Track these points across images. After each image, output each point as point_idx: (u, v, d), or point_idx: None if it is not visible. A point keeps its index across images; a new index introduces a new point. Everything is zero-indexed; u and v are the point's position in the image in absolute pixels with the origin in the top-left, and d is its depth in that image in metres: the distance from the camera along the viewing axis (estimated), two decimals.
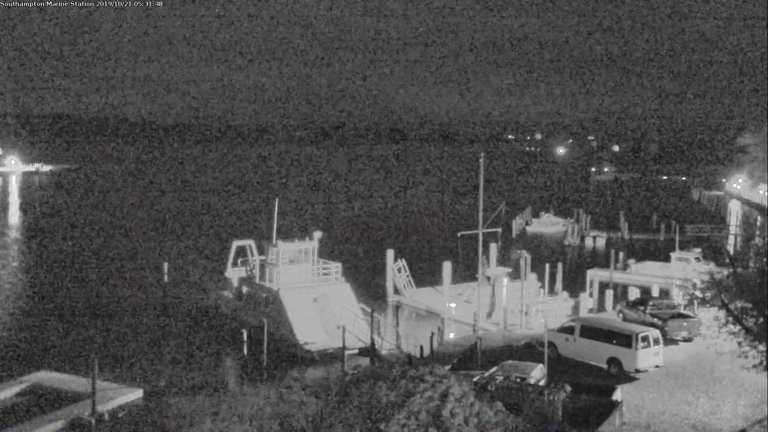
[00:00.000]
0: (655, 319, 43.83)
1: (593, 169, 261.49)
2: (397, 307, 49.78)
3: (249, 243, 54.11)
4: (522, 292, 48.93)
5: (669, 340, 41.68)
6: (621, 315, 47.81)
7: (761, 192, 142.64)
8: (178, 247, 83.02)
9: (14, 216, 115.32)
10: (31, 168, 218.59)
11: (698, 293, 31.56)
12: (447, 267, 54.44)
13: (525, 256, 53.46)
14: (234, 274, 53.07)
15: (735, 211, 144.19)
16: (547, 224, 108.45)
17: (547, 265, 60.04)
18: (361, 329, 44.37)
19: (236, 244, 54.92)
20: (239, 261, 54.09)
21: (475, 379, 30.28)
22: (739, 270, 30.92)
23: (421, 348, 41.56)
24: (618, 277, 61.83)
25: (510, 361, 34.52)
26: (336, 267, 49.27)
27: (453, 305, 50.27)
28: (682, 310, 46.20)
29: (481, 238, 50.44)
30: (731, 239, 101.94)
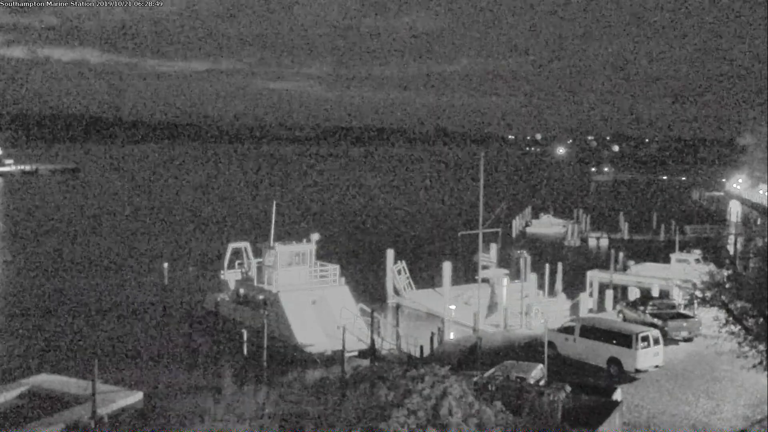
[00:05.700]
0: (655, 319, 43.82)
1: (593, 169, 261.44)
2: (397, 308, 49.77)
3: (244, 245, 54.11)
4: (522, 293, 48.92)
5: (669, 340, 41.66)
6: (621, 315, 47.79)
7: (761, 192, 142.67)
8: (177, 248, 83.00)
9: (13, 217, 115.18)
10: (31, 168, 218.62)
11: (698, 293, 31.58)
12: (447, 267, 54.39)
13: (525, 257, 53.47)
14: (230, 276, 53.04)
15: (735, 212, 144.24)
16: (547, 225, 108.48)
17: (547, 266, 60.04)
18: (360, 331, 44.34)
19: (231, 246, 54.86)
20: (236, 263, 54.07)
21: (475, 379, 30.23)
22: (739, 270, 30.92)
23: (421, 348, 41.54)
24: (618, 278, 61.78)
25: (510, 361, 34.51)
26: (334, 269, 49.17)
27: (453, 307, 50.23)
28: (682, 310, 46.20)
29: (481, 238, 50.49)
30: (731, 239, 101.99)
